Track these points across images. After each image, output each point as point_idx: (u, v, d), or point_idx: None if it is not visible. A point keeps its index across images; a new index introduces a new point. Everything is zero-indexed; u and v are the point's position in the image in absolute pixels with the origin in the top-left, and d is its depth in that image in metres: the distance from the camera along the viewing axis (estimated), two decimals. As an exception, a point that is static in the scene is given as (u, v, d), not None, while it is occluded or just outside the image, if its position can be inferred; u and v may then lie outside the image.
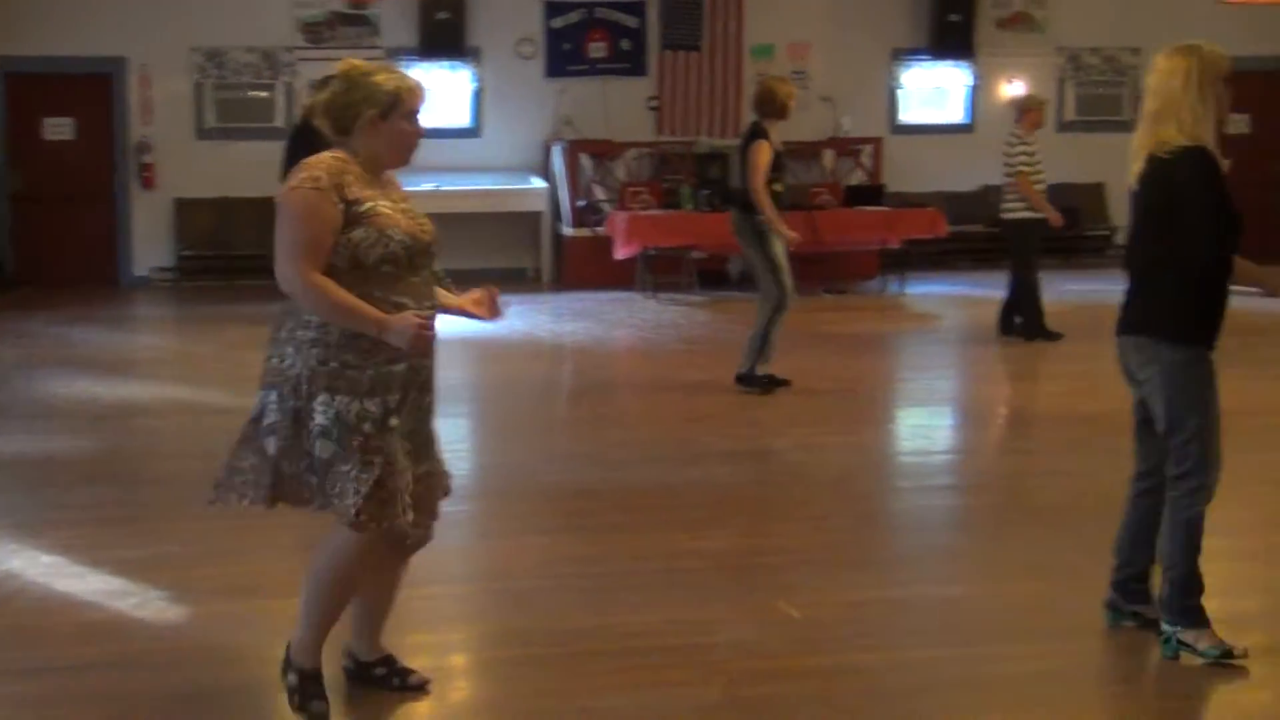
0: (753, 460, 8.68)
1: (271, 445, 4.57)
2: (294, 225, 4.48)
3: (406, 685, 4.96)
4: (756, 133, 10.26)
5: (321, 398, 4.49)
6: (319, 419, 4.49)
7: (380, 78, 4.61)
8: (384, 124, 4.60)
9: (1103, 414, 9.79)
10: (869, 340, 13.64)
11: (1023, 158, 12.92)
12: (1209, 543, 5.59)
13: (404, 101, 4.62)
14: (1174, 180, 5.16)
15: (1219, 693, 5.15)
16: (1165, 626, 5.27)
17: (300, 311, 4.53)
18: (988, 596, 6.11)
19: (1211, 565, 5.87)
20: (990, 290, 16.70)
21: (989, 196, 19.27)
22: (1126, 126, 19.56)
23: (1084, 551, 6.62)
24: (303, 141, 8.07)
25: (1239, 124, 19.76)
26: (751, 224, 10.24)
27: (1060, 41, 19.81)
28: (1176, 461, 5.27)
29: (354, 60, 4.70)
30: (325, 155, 4.59)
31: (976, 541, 7.11)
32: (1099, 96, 19.95)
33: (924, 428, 10.06)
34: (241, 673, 5.24)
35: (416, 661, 5.07)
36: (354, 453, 4.49)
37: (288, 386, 4.53)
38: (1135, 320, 5.36)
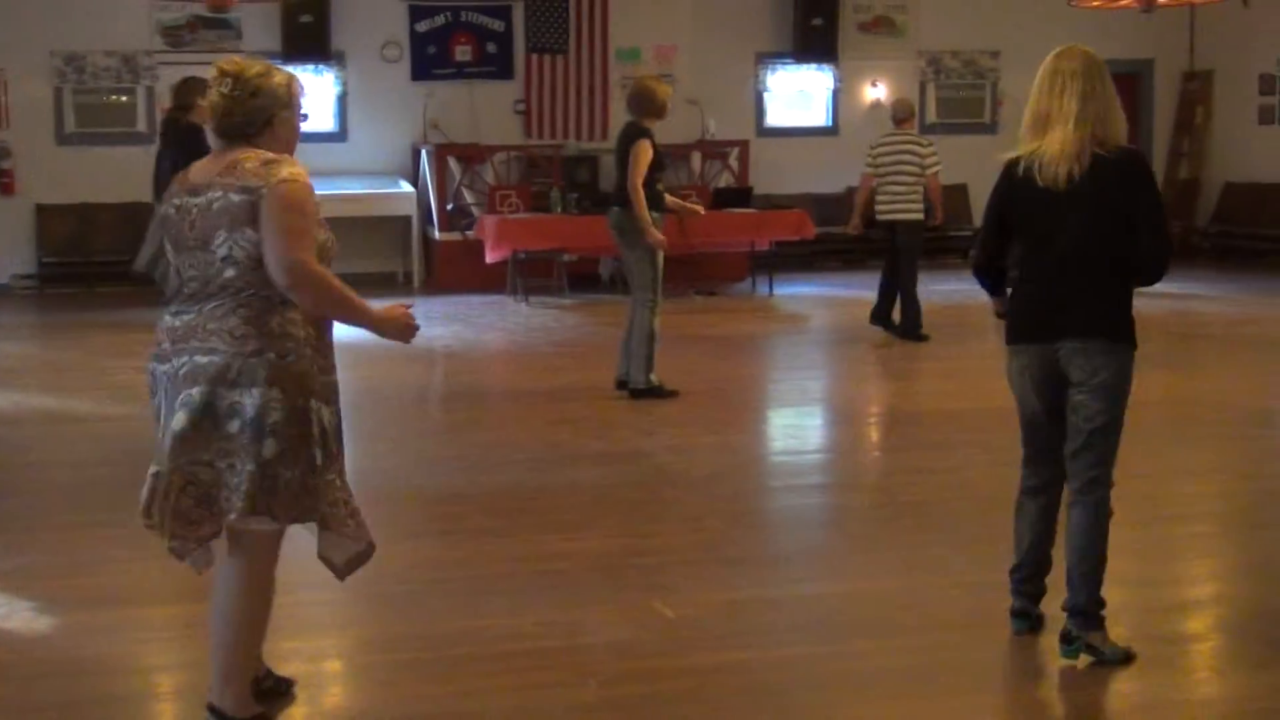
0: (624, 462, 8.69)
1: (270, 447, 4.38)
2: (301, 213, 4.42)
3: (276, 690, 4.91)
4: (639, 133, 10.15)
5: (274, 393, 4.39)
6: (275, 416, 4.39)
7: (276, 77, 4.59)
8: (288, 121, 4.61)
9: (968, 412, 9.99)
10: (739, 341, 13.73)
11: (934, 159, 13.20)
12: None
13: (296, 95, 4.65)
14: (1131, 180, 5.20)
15: (1085, 683, 5.25)
16: (1075, 630, 5.25)
17: (272, 311, 4.42)
18: (860, 593, 6.17)
19: (1076, 558, 6.00)
20: (858, 290, 16.93)
21: (854, 198, 19.51)
22: (988, 129, 20.09)
23: (952, 547, 6.75)
24: (184, 144, 7.92)
25: (1096, 126, 20.21)
26: (635, 223, 10.16)
27: (921, 45, 20.11)
28: (1100, 462, 5.27)
29: (236, 60, 4.64)
30: (260, 154, 4.51)
31: (848, 539, 7.19)
32: (960, 99, 20.29)
33: (795, 427, 10.16)
34: (110, 683, 5.17)
35: (288, 669, 5.02)
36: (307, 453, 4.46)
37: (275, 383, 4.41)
38: (1090, 324, 5.21)
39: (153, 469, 4.49)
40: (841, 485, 8.36)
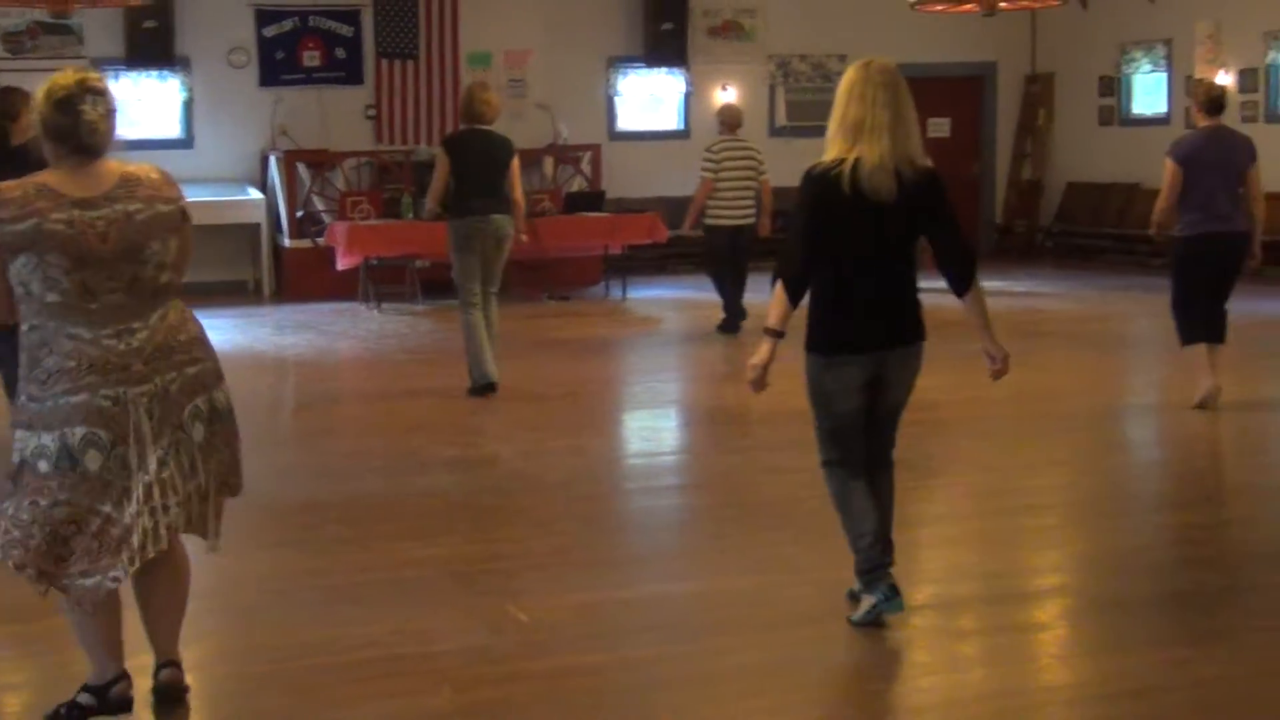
0: (479, 467, 8.68)
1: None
2: None
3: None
4: (511, 145, 10.62)
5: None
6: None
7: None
8: None
9: (818, 410, 10.08)
10: (593, 345, 13.76)
11: (764, 165, 13.63)
12: (925, 531, 5.83)
13: None
14: (935, 195, 5.41)
15: (934, 674, 5.35)
16: (891, 578, 5.55)
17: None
18: (712, 592, 6.23)
19: (928, 552, 6.13)
20: (711, 293, 17.04)
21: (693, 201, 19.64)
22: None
23: (804, 545, 6.83)
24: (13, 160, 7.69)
25: (940, 128, 20.57)
26: (512, 228, 10.48)
27: (770, 49, 20.30)
28: (893, 442, 5.69)
29: (86, 76, 4.60)
30: (141, 165, 4.68)
31: (701, 539, 7.24)
32: (809, 102, 20.50)
33: (648, 430, 10.20)
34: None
35: (143, 683, 4.94)
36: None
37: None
38: (915, 330, 5.52)
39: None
40: (695, 486, 8.42)
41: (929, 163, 5.51)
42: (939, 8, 14.25)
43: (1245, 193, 9.64)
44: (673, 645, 5.54)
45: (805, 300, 5.51)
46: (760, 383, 5.54)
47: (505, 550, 6.92)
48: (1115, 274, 18.60)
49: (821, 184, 5.36)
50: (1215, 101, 9.77)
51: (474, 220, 10.36)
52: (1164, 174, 9.62)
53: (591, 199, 17.45)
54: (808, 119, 20.24)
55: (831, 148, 5.39)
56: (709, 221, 13.75)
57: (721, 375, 12.39)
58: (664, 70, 19.92)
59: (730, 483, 8.47)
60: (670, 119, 20.31)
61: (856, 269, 5.41)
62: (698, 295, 16.96)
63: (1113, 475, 8.52)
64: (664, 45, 19.49)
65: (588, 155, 18.84)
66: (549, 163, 18.46)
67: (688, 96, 20.15)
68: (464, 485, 8.26)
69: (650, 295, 17.07)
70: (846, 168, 5.29)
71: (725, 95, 20.06)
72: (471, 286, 10.51)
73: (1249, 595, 6.14)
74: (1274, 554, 6.86)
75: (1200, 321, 9.72)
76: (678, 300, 16.80)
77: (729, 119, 13.97)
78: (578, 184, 18.51)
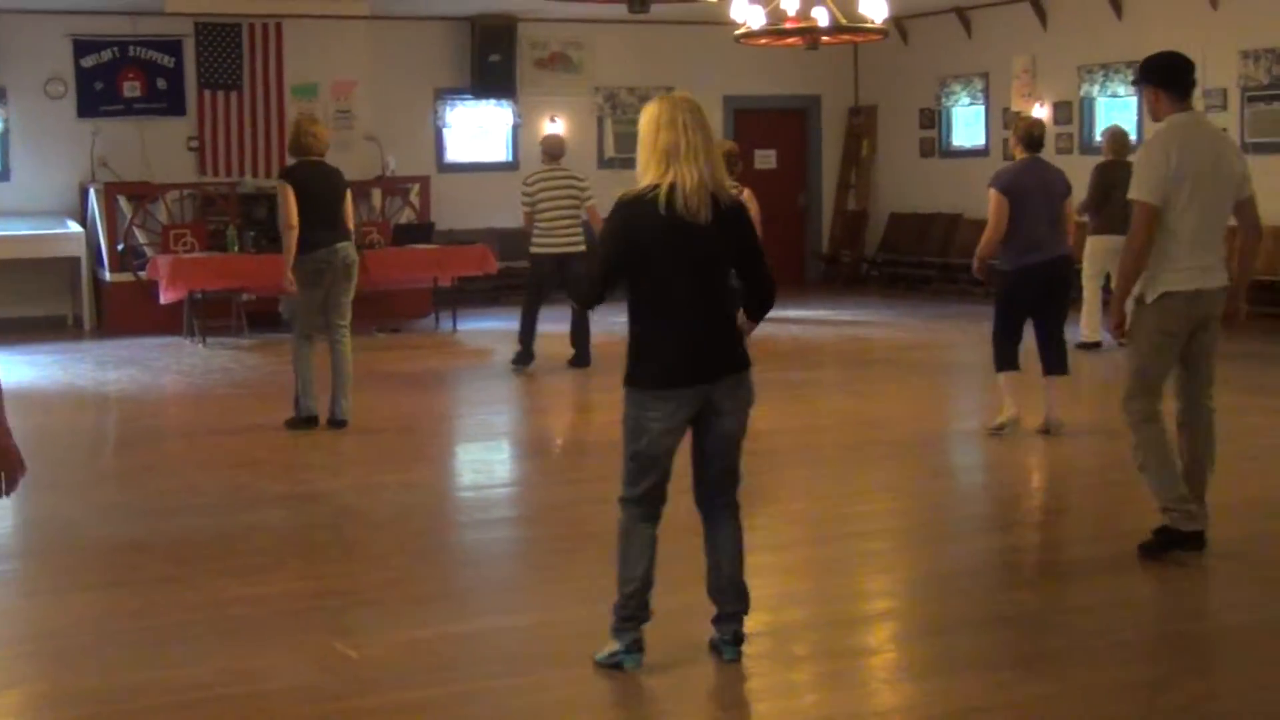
0: (308, 503, 8.57)
1: None
2: None
3: None
4: (341, 174, 10.73)
5: None
6: None
7: None
8: None
9: (650, 440, 10.13)
10: (424, 378, 13.68)
11: (589, 191, 13.64)
12: (756, 559, 5.88)
13: None
14: (743, 224, 5.46)
15: (767, 700, 5.40)
16: (740, 629, 5.60)
17: None
18: (544, 624, 6.22)
19: (760, 580, 6.18)
20: (542, 325, 17.01)
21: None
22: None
23: (636, 574, 6.83)
24: None
25: (767, 159, 20.85)
26: (356, 254, 10.64)
27: (598, 81, 20.42)
28: (735, 478, 5.60)
29: None
30: None
31: (533, 572, 7.24)
32: (636, 134, 20.61)
33: (480, 463, 10.16)
34: None
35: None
36: None
37: None
38: (740, 358, 5.46)
39: None
40: (527, 518, 8.40)
41: (733, 187, 5.59)
42: (763, 41, 14.44)
43: (1062, 223, 9.97)
44: (504, 679, 5.52)
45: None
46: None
47: (335, 586, 6.84)
48: (939, 302, 18.99)
49: (636, 209, 5.34)
50: (1035, 140, 10.10)
51: (322, 253, 10.35)
52: (990, 205, 9.82)
53: (420, 231, 17.36)
54: (635, 150, 20.37)
55: (645, 176, 5.37)
56: (532, 250, 13.65)
57: (552, 408, 12.41)
58: (492, 102, 19.94)
59: (562, 515, 8.47)
60: (499, 150, 20.32)
61: (674, 298, 5.36)
62: (543, 328, 16.97)
63: (938, 500, 8.67)
64: (492, 77, 19.50)
65: (416, 187, 18.77)
66: (377, 194, 18.34)
67: (516, 128, 20.19)
68: (293, 521, 8.16)
69: (481, 327, 17.03)
70: (663, 191, 5.28)
71: (553, 127, 20.12)
72: (313, 320, 10.51)
73: (1069, 617, 6.29)
74: (1093, 576, 7.04)
75: (1016, 349, 10.01)
76: (509, 332, 16.67)
77: (550, 148, 13.99)
78: (406, 215, 18.42)
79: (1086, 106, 18.78)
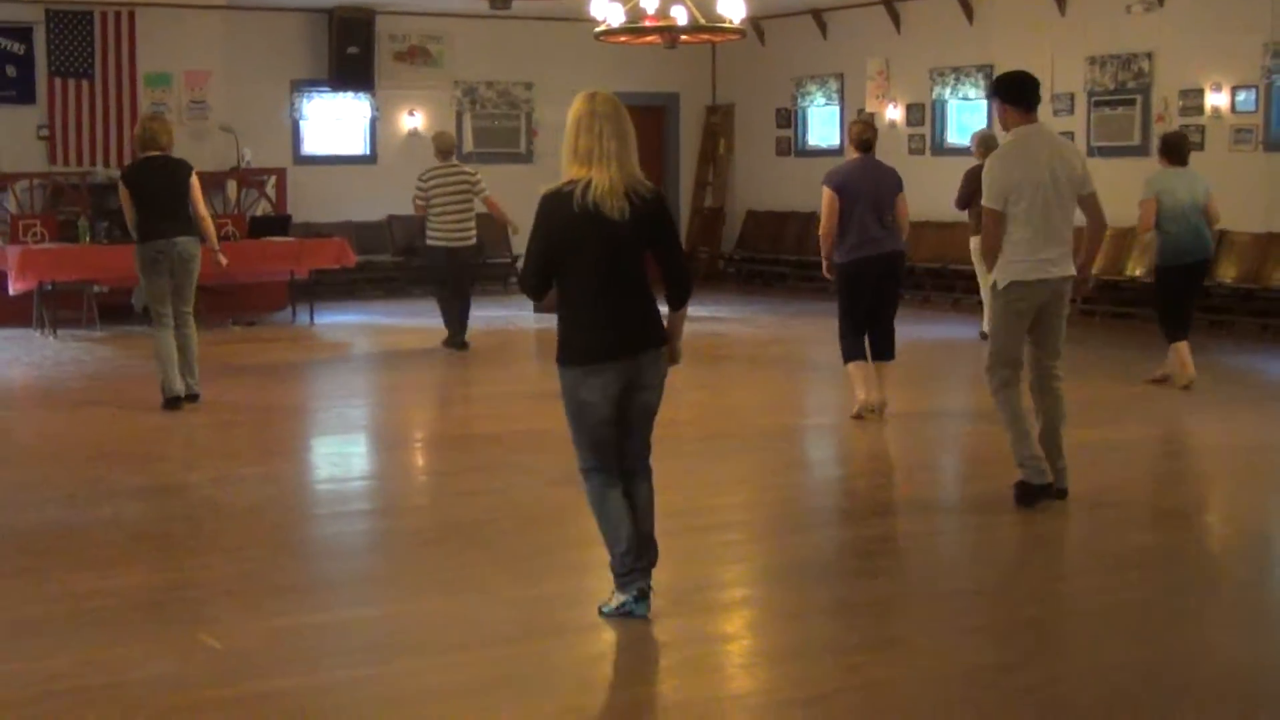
0: (165, 495, 8.51)
1: None
2: None
3: None
4: (188, 165, 11.08)
5: None
6: None
7: None
8: None
9: (507, 434, 10.22)
10: (281, 371, 13.58)
11: (482, 182, 14.22)
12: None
13: None
14: (661, 215, 5.88)
15: (628, 686, 5.49)
16: (641, 592, 5.95)
17: None
18: (405, 614, 6.26)
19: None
20: (400, 318, 17.05)
21: (395, 226, 19.66)
22: (523, 158, 20.49)
23: (497, 565, 6.92)
24: None
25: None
26: (200, 249, 10.97)
27: (457, 75, 20.40)
28: (647, 450, 6.03)
29: None
30: None
31: (394, 563, 7.25)
32: (495, 129, 20.67)
33: (339, 455, 10.13)
34: None
35: None
36: None
37: None
38: (653, 336, 5.89)
39: None
40: (387, 510, 8.41)
41: (649, 184, 5.88)
42: (622, 39, 14.54)
43: (895, 219, 10.37)
44: (365, 668, 5.55)
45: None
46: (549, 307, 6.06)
47: (195, 578, 6.81)
48: (794, 299, 19.26)
49: (554, 203, 5.77)
50: (866, 143, 10.59)
51: (159, 244, 10.74)
52: (823, 202, 10.31)
53: (277, 223, 17.20)
54: (495, 145, 20.43)
55: (566, 173, 5.79)
56: (428, 243, 14.26)
57: (412, 401, 12.40)
58: (350, 94, 19.82)
59: (422, 506, 8.52)
60: (357, 143, 20.21)
61: (597, 283, 5.78)
62: (387, 320, 16.95)
63: (792, 491, 8.84)
64: (350, 69, 19.39)
65: (272, 179, 18.62)
66: (232, 186, 18.16)
67: (374, 121, 20.10)
68: (151, 513, 8.10)
69: (339, 320, 16.95)
70: (578, 189, 5.70)
71: (412, 120, 20.10)
72: (161, 309, 10.85)
73: (918, 603, 6.47)
74: (941, 564, 7.25)
75: (861, 340, 10.45)
76: (367, 325, 16.71)
77: (441, 145, 14.47)
78: (262, 208, 18.26)
79: (938, 108, 19.14)
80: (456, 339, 14.26)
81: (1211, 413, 11.01)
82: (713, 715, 5.17)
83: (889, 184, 10.38)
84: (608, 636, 5.87)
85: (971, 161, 14.21)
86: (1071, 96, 16.97)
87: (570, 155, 5.78)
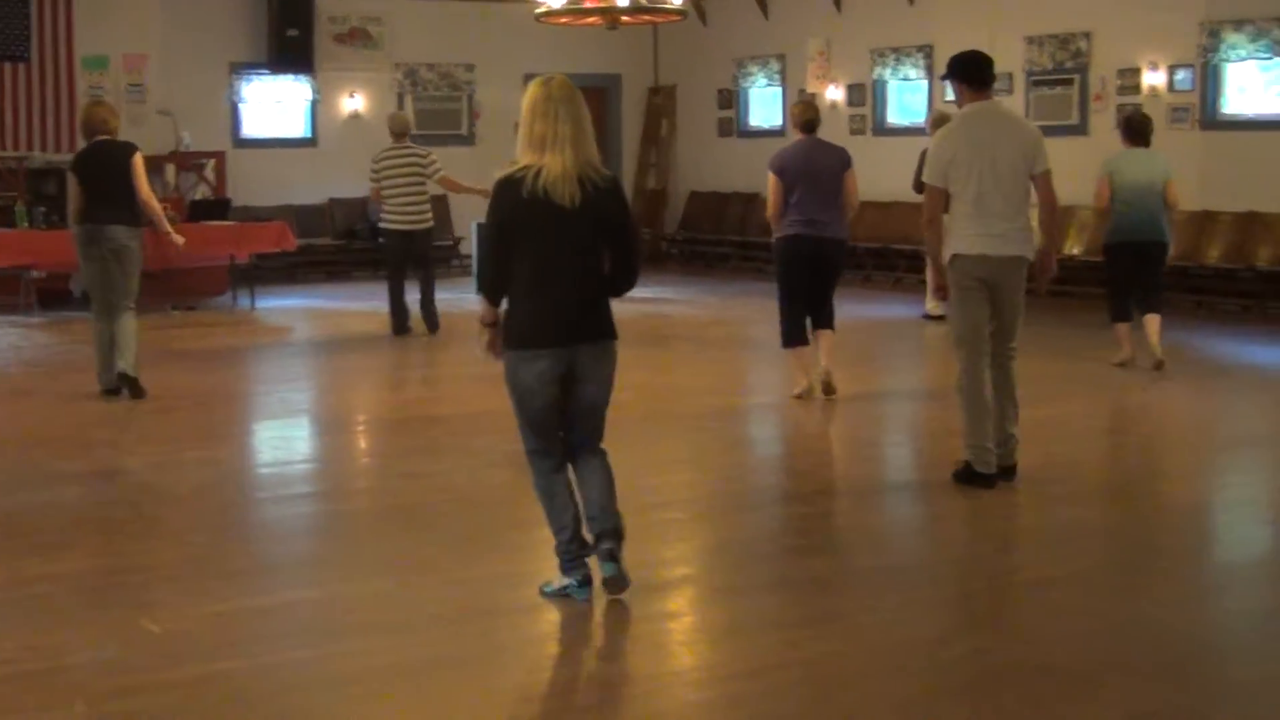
0: (105, 480, 8.48)
1: None
2: None
3: None
4: (131, 146, 10.79)
5: None
6: None
7: None
8: None
9: (452, 417, 10.24)
10: (222, 355, 13.52)
11: (436, 163, 13.98)
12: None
13: None
14: (616, 201, 5.84)
15: (570, 664, 5.53)
16: (616, 547, 5.97)
17: None
18: (346, 596, 6.26)
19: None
20: (342, 302, 17.02)
21: (336, 209, 19.59)
22: (465, 140, 20.43)
23: (440, 546, 6.94)
24: None
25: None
26: (139, 235, 10.73)
27: (398, 57, 20.32)
28: (599, 434, 6.04)
29: None
30: None
31: (337, 545, 7.26)
32: (437, 111, 20.61)
33: (281, 439, 10.11)
34: None
35: None
36: None
37: None
38: (601, 328, 5.88)
39: None
40: (329, 493, 8.40)
41: (604, 170, 5.86)
42: (563, 20, 14.55)
43: (844, 199, 10.37)
44: (307, 649, 5.57)
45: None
46: (492, 348, 5.94)
47: (136, 563, 6.79)
48: (737, 279, 19.33)
49: (504, 189, 5.74)
50: (808, 123, 10.62)
51: (90, 228, 10.59)
52: (768, 185, 10.39)
53: (216, 207, 17.10)
54: (437, 127, 20.36)
55: (521, 158, 5.76)
56: (383, 226, 14.18)
57: (354, 384, 12.37)
58: (290, 77, 19.72)
59: (364, 489, 8.52)
60: (297, 126, 20.12)
61: (545, 269, 5.75)
62: (329, 304, 16.91)
63: (734, 470, 8.89)
64: (289, 51, 19.30)
65: (212, 162, 18.53)
66: (171, 170, 18.04)
67: (314, 104, 20.01)
68: (91, 498, 8.06)
69: (280, 304, 16.89)
70: (530, 174, 5.67)
71: (353, 103, 20.03)
72: (95, 295, 10.73)
73: (856, 579, 6.53)
74: (879, 540, 7.32)
75: (801, 325, 10.51)
76: (308, 309, 16.66)
77: (395, 127, 14.41)
78: (201, 192, 18.16)
79: (879, 89, 19.23)
80: (401, 325, 14.09)
81: (1151, 390, 11.13)
82: (655, 692, 5.21)
83: (834, 163, 10.37)
84: (550, 616, 5.90)
85: (927, 141, 14.25)
86: (1010, 76, 17.07)
87: (525, 141, 5.75)
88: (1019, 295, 7.87)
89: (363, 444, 10.07)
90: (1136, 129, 11.72)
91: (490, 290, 5.87)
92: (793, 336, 10.54)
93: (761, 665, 5.37)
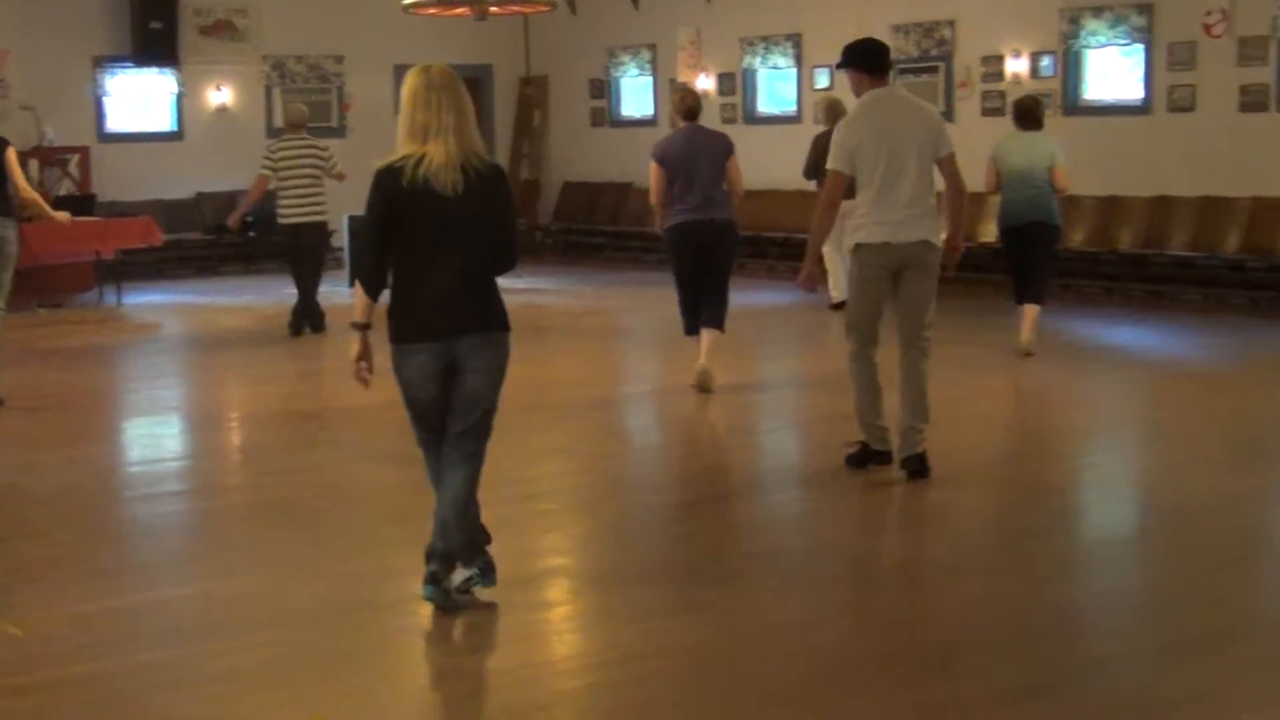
0: (-34, 483, 8.32)
1: None
2: None
3: None
4: (3, 141, 10.46)
5: None
6: None
7: None
8: None
9: (322, 412, 10.18)
10: (89, 353, 13.30)
11: (333, 158, 13.65)
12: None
13: None
14: (499, 189, 5.69)
15: (449, 655, 5.52)
16: (436, 588, 5.75)
17: None
18: (213, 595, 6.21)
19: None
20: (211, 297, 16.82)
21: (204, 204, 19.34)
22: (336, 132, 20.23)
23: (310, 543, 6.90)
24: None
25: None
26: (16, 228, 10.42)
27: (265, 49, 20.09)
28: (488, 433, 5.89)
29: None
30: None
31: (206, 543, 7.19)
32: (306, 103, 20.32)
33: (150, 437, 9.97)
34: None
35: None
36: None
37: None
38: (488, 319, 5.73)
39: None
40: (199, 491, 8.31)
41: (489, 158, 5.73)
42: (431, 11, 14.47)
43: (728, 185, 10.35)
44: (172, 649, 5.51)
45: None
46: (360, 376, 5.77)
47: (-3, 566, 6.68)
48: (611, 269, 19.36)
49: (384, 178, 5.59)
50: (690, 110, 10.61)
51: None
52: (650, 174, 10.34)
53: (81, 202, 16.79)
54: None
55: (401, 147, 5.62)
56: (279, 220, 13.77)
57: (224, 380, 12.23)
58: (154, 70, 19.42)
59: (234, 485, 8.44)
60: (163, 120, 19.82)
61: (423, 260, 5.62)
62: (198, 299, 16.71)
63: (608, 460, 8.91)
64: (154, 44, 19.00)
65: (76, 157, 18.21)
66: (34, 165, 17.66)
67: (180, 97, 19.72)
68: (-50, 502, 7.91)
69: (148, 300, 16.65)
70: (410, 163, 5.54)
71: (220, 96, 19.79)
72: None
73: (728, 565, 6.58)
74: (748, 527, 7.39)
75: (698, 313, 10.42)
76: (177, 305, 16.44)
77: (293, 118, 14.10)
78: (66, 187, 17.84)
79: (749, 77, 19.34)
80: (299, 322, 13.73)
81: (1021, 373, 11.31)
82: (526, 682, 5.22)
83: (716, 150, 10.35)
84: (422, 610, 5.86)
85: (817, 129, 14.40)
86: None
87: (406, 130, 5.62)
88: (928, 281, 7.78)
89: (233, 440, 9.96)
90: (1025, 112, 11.83)
91: (368, 283, 5.69)
92: (693, 325, 10.48)
93: (632, 653, 5.39)
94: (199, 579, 6.49)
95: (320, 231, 13.73)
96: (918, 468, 7.74)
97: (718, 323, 10.42)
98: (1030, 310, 11.62)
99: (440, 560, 5.77)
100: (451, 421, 5.79)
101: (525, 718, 4.95)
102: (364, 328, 5.72)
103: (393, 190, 5.56)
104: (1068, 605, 6.03)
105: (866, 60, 7.96)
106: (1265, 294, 14.33)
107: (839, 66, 8.24)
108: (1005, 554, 6.75)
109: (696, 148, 10.30)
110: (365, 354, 5.74)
